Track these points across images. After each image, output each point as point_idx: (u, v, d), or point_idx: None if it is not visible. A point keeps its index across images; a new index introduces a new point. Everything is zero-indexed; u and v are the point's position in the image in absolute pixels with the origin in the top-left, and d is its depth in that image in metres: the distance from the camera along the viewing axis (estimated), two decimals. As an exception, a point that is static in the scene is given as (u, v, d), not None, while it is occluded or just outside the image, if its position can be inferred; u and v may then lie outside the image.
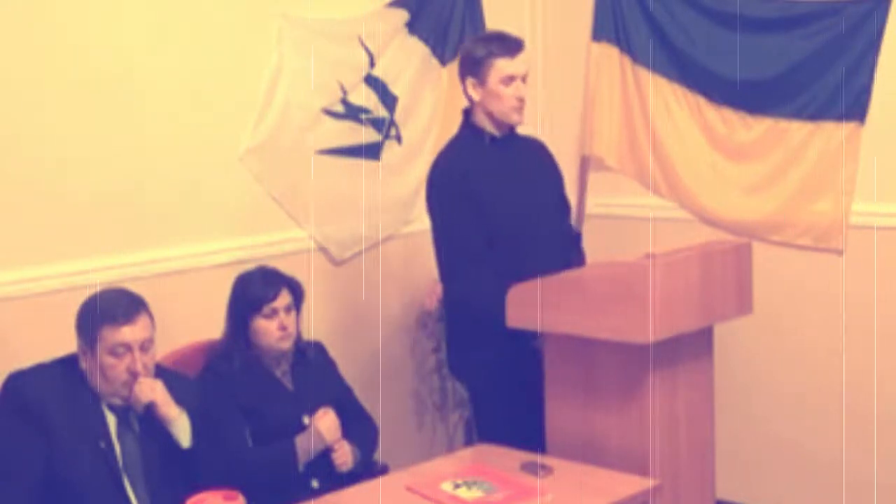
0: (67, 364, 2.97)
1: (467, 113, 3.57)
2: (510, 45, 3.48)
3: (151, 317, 2.99)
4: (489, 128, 3.52)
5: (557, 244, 3.59)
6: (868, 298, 4.02)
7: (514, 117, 3.50)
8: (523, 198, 3.52)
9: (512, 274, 3.30)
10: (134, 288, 3.07)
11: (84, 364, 2.94)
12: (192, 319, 3.57)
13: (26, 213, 3.33)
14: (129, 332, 2.91)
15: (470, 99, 3.53)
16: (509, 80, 3.45)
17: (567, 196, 3.80)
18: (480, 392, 3.63)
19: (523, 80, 3.49)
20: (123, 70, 3.52)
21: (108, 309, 2.93)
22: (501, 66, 3.45)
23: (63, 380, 2.93)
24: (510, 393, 3.46)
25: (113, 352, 2.90)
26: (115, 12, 3.50)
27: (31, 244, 3.34)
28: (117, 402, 2.94)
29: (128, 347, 2.91)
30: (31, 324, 3.29)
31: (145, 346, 2.95)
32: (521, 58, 3.49)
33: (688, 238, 3.72)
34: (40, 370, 2.97)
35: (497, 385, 3.48)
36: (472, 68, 3.49)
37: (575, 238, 3.80)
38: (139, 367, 2.91)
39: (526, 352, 3.39)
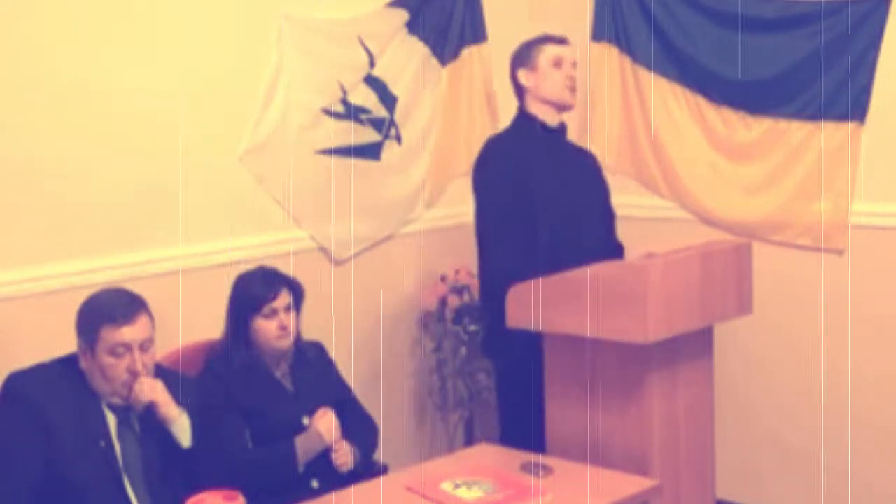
0: (67, 364, 2.96)
1: (521, 106, 3.70)
2: (555, 37, 3.69)
3: (151, 317, 2.98)
4: (543, 117, 3.64)
5: (596, 244, 3.59)
6: (868, 298, 4.02)
7: (566, 96, 3.64)
8: (568, 193, 3.58)
9: (548, 263, 3.32)
10: (134, 288, 3.06)
11: (84, 364, 2.94)
12: (192, 319, 3.57)
13: (26, 213, 3.33)
14: (129, 332, 2.91)
15: (521, 90, 3.67)
16: (559, 61, 3.62)
17: (613, 207, 3.86)
18: (507, 374, 3.66)
19: (574, 65, 3.65)
20: (123, 70, 3.52)
21: (108, 309, 2.93)
22: (550, 49, 3.64)
23: (63, 380, 2.93)
24: (536, 378, 3.46)
25: (113, 352, 2.90)
26: (116, 12, 3.50)
27: (31, 244, 3.34)
28: (117, 401, 2.94)
29: (128, 347, 2.90)
30: (31, 324, 3.29)
31: (145, 345, 2.94)
32: (569, 47, 3.68)
33: (688, 238, 3.72)
34: (40, 370, 2.96)
35: (524, 369, 3.48)
36: (523, 59, 3.66)
37: (617, 248, 3.78)
38: (139, 366, 2.91)
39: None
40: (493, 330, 3.65)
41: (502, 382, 3.78)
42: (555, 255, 3.39)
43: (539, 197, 3.50)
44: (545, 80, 3.62)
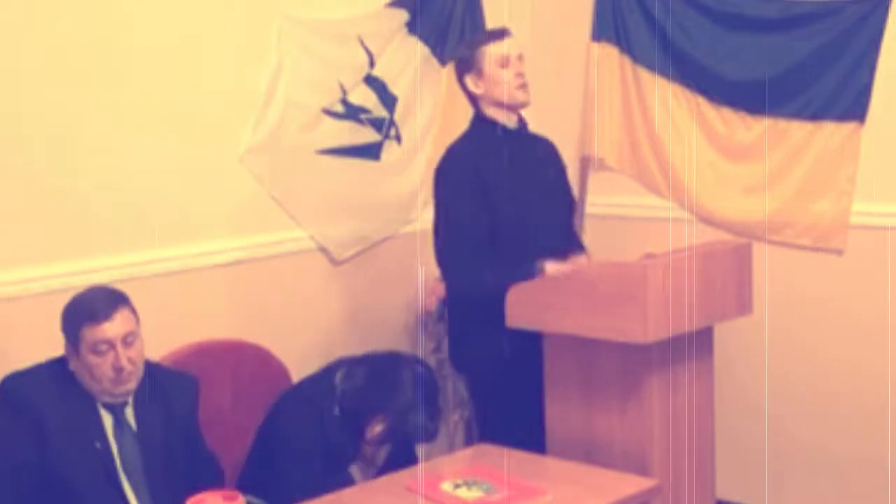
0: (63, 364, 2.96)
1: (476, 111, 3.59)
2: (494, 33, 3.57)
3: (133, 310, 2.96)
4: (501, 119, 3.55)
5: (560, 240, 3.57)
6: (868, 298, 4.02)
7: (519, 96, 3.52)
8: (530, 192, 3.52)
9: (511, 266, 3.31)
10: (134, 288, 3.07)
11: (73, 365, 2.92)
12: (192, 319, 3.57)
13: (26, 212, 3.32)
14: (110, 329, 2.88)
15: (473, 98, 3.57)
16: (504, 61, 3.50)
17: (573, 196, 3.82)
18: (480, 385, 3.64)
19: (520, 59, 3.53)
20: (123, 70, 3.52)
21: (88, 308, 2.91)
22: (491, 50, 3.51)
23: (58, 381, 2.92)
24: (509, 386, 3.46)
25: (95, 350, 2.87)
26: (115, 12, 3.50)
27: (31, 244, 3.34)
28: (108, 399, 2.92)
29: (110, 344, 2.87)
30: (30, 324, 3.28)
31: (128, 340, 2.90)
32: (509, 41, 3.54)
33: (688, 238, 3.72)
34: (37, 371, 2.95)
35: (496, 377, 3.48)
36: (467, 65, 3.55)
37: (575, 235, 3.79)
38: (124, 361, 2.88)
39: (526, 344, 3.37)
40: (459, 344, 3.65)
41: (472, 396, 3.79)
42: (516, 256, 3.38)
43: (500, 200, 3.44)
44: (494, 85, 3.49)
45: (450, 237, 3.49)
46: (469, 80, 3.54)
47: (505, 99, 3.52)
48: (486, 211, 3.42)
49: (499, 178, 3.46)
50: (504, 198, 3.45)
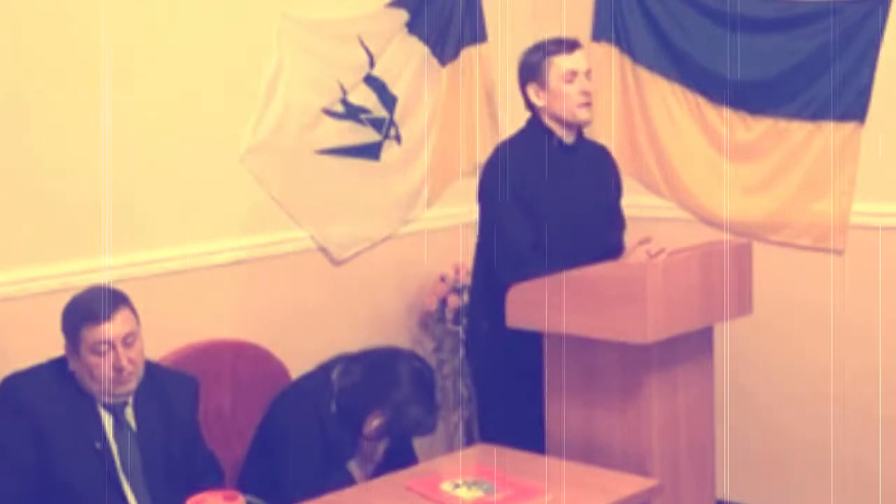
0: (63, 364, 2.96)
1: (534, 115, 3.50)
2: (566, 43, 3.44)
3: (133, 311, 2.95)
4: (559, 132, 3.46)
5: (603, 257, 3.45)
6: (868, 299, 4.02)
7: (581, 115, 3.43)
8: (577, 210, 3.46)
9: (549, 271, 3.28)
10: (135, 288, 3.06)
11: (72, 365, 2.91)
12: (192, 319, 3.56)
13: (25, 212, 3.33)
14: (109, 329, 2.87)
15: (533, 108, 3.47)
16: (571, 75, 3.40)
17: (622, 210, 3.73)
18: (484, 378, 3.65)
19: (587, 75, 3.43)
20: (123, 70, 3.51)
21: (87, 308, 2.90)
22: (560, 62, 3.40)
23: (58, 381, 2.92)
24: (513, 384, 3.46)
25: (96, 350, 2.86)
26: (115, 12, 3.50)
27: (30, 244, 3.34)
28: (108, 399, 2.92)
29: (110, 344, 2.86)
30: (31, 324, 3.28)
31: (128, 340, 2.90)
32: (580, 54, 3.44)
33: (688, 238, 3.72)
34: (37, 371, 2.95)
35: (501, 374, 3.49)
36: (531, 73, 3.44)
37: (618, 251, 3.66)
38: (124, 362, 2.87)
39: (533, 345, 3.36)
40: (480, 331, 3.64)
41: (476, 385, 3.79)
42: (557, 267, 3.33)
43: (544, 213, 3.39)
44: (557, 100, 3.39)
45: (488, 233, 3.46)
46: (531, 90, 3.44)
47: (566, 116, 3.43)
48: (528, 216, 3.37)
49: (543, 192, 3.39)
50: (548, 210, 3.39)
